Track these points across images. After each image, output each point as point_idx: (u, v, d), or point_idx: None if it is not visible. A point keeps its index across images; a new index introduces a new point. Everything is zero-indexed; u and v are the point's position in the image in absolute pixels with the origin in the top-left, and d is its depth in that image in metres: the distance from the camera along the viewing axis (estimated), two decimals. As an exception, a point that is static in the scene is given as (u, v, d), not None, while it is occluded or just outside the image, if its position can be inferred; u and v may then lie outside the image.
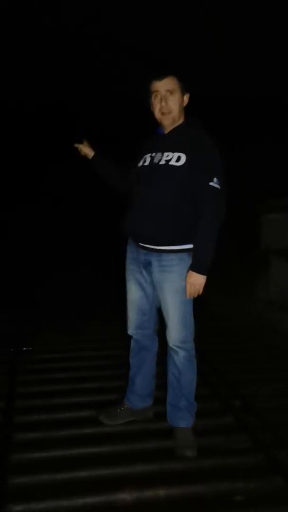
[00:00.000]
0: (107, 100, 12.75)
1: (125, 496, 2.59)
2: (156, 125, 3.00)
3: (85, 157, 3.34)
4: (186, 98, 2.92)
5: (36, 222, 10.17)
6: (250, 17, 11.15)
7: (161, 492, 2.62)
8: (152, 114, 2.95)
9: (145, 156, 2.96)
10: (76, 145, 3.32)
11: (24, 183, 11.99)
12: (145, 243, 2.90)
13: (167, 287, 2.89)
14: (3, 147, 12.63)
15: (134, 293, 3.09)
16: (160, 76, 2.84)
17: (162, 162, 2.83)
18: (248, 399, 3.55)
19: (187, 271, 2.81)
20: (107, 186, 3.32)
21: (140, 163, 2.97)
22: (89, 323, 5.37)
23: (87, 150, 3.30)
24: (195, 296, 2.84)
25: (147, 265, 2.95)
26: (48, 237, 9.33)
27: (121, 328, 3.35)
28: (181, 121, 2.94)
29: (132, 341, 3.23)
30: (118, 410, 3.26)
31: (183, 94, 2.89)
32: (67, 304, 6.07)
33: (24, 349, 4.57)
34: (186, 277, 2.81)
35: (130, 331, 3.18)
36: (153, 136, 3.06)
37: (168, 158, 2.82)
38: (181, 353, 2.96)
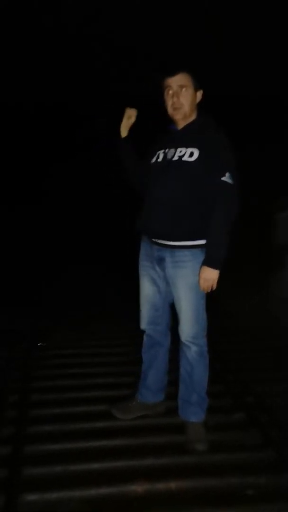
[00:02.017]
0: (107, 100, 12.75)
1: (136, 488, 2.63)
2: (170, 121, 3.01)
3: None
4: (199, 94, 2.93)
5: (40, 222, 10.15)
6: (250, 17, 11.17)
7: (172, 485, 2.66)
8: (165, 111, 2.95)
9: (158, 152, 2.98)
10: (127, 110, 3.19)
11: (25, 183, 11.98)
12: (158, 239, 2.92)
13: (180, 282, 2.91)
14: (3, 147, 12.62)
15: (147, 289, 3.11)
16: (173, 71, 2.85)
17: (175, 158, 2.84)
18: (260, 396, 3.57)
19: (200, 267, 2.83)
20: (123, 176, 3.28)
21: (153, 160, 2.98)
22: (101, 320, 5.38)
23: (126, 125, 3.22)
24: (209, 291, 2.86)
25: (161, 261, 2.97)
26: (53, 235, 9.32)
27: (133, 324, 3.36)
28: (194, 117, 2.95)
29: (144, 336, 3.25)
30: (130, 405, 3.29)
31: (196, 91, 2.90)
32: (79, 301, 6.09)
33: (37, 344, 4.59)
34: (199, 272, 2.83)
35: (143, 326, 3.21)
36: (165, 132, 3.06)
37: (181, 153, 2.83)
38: (193, 348, 2.98)
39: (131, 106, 3.17)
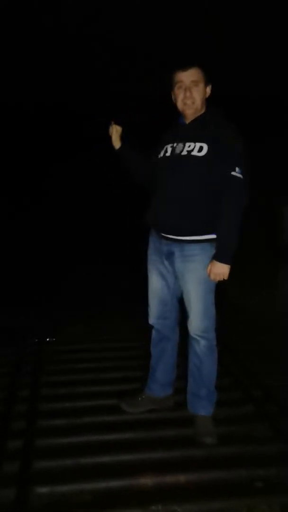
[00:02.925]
0: (107, 100, 12.77)
1: (146, 481, 2.64)
2: (178, 115, 3.02)
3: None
4: (208, 89, 2.93)
5: (41, 221, 10.15)
6: (250, 17, 11.20)
7: (182, 478, 2.66)
8: (174, 105, 2.97)
9: (166, 146, 2.97)
10: (112, 127, 3.25)
11: (26, 183, 11.99)
12: (167, 234, 2.93)
13: (189, 276, 2.92)
14: (4, 147, 12.64)
15: (155, 283, 3.12)
16: (185, 66, 2.85)
17: (184, 152, 2.84)
18: (269, 389, 3.58)
19: (210, 261, 2.84)
20: (132, 179, 3.31)
21: (161, 154, 2.98)
22: (110, 315, 5.39)
23: (116, 138, 3.26)
24: (221, 280, 2.86)
25: (170, 256, 2.97)
26: (60, 235, 9.32)
27: (142, 319, 3.38)
28: (203, 111, 2.94)
29: (153, 331, 3.26)
30: (139, 399, 3.30)
31: (206, 85, 2.90)
32: (88, 297, 6.10)
33: (48, 340, 4.60)
34: (208, 266, 2.84)
35: (151, 320, 3.22)
36: (173, 126, 3.06)
37: (190, 148, 2.83)
38: (202, 342, 3.00)
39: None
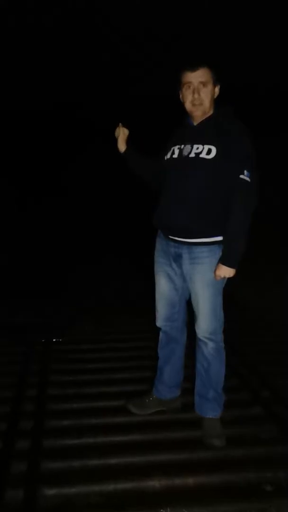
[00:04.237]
0: (121, 100, 12.79)
1: (154, 483, 2.64)
2: (184, 115, 3.00)
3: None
4: (217, 89, 2.90)
5: (57, 217, 10.15)
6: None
7: (190, 480, 2.67)
8: (182, 105, 2.94)
9: (173, 148, 2.95)
10: (119, 128, 3.26)
11: (44, 179, 12.01)
12: (175, 236, 2.91)
13: (197, 278, 2.91)
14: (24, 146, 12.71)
15: (163, 286, 3.10)
16: (194, 67, 2.82)
17: (192, 154, 2.82)
18: (277, 390, 3.57)
19: (217, 263, 2.83)
20: (140, 181, 3.29)
21: (168, 156, 2.96)
22: (118, 315, 5.38)
23: (122, 141, 3.27)
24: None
25: (178, 258, 2.96)
26: (69, 231, 9.32)
27: (149, 320, 3.36)
28: (211, 112, 2.91)
29: (160, 333, 3.25)
30: (147, 400, 3.30)
31: (214, 86, 2.87)
32: (96, 296, 6.10)
33: (54, 340, 4.59)
34: (215, 269, 2.83)
35: (159, 323, 3.21)
36: (181, 126, 3.04)
37: (198, 150, 2.80)
38: (210, 345, 2.99)
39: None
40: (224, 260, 2.79)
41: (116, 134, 3.26)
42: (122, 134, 3.24)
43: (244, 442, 3.02)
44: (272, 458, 2.86)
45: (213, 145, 2.78)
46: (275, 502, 2.51)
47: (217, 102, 2.96)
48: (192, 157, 2.82)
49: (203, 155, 2.78)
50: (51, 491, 2.55)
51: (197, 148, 2.82)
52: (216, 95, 2.92)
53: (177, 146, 2.93)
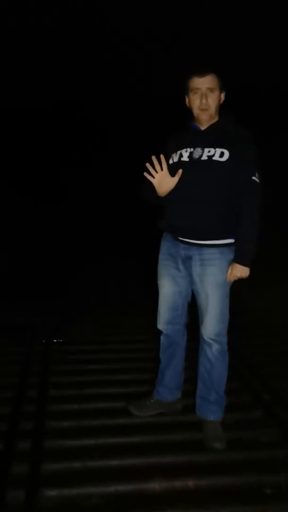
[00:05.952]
0: (124, 101, 12.76)
1: (154, 486, 2.63)
2: (188, 119, 3.03)
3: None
4: (222, 96, 2.95)
5: (58, 220, 10.14)
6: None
7: (190, 482, 2.66)
8: (189, 109, 2.98)
9: (180, 151, 2.95)
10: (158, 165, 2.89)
11: (44, 183, 11.98)
12: (186, 238, 2.93)
13: (208, 280, 2.92)
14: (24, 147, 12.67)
15: (167, 289, 3.10)
16: (203, 73, 2.87)
17: (204, 157, 2.85)
18: (278, 393, 3.57)
19: (229, 264, 2.87)
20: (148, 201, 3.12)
21: (176, 159, 2.95)
22: (118, 315, 5.40)
23: (164, 179, 2.90)
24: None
25: (187, 260, 2.97)
26: (71, 232, 9.32)
27: (150, 320, 3.36)
28: (217, 118, 2.96)
29: (162, 337, 3.24)
30: (148, 402, 3.30)
31: (220, 92, 2.93)
32: (97, 297, 6.10)
33: (55, 340, 4.60)
34: (228, 269, 2.87)
35: (161, 326, 3.20)
36: (185, 131, 3.04)
37: (210, 153, 2.84)
38: (215, 346, 2.99)
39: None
40: (239, 259, 2.84)
41: (154, 171, 2.90)
42: (161, 172, 2.90)
43: (245, 445, 3.02)
44: (273, 461, 2.85)
45: (226, 148, 2.83)
46: (275, 506, 2.51)
47: (220, 108, 3.00)
48: (204, 160, 2.85)
49: (216, 157, 2.83)
50: (52, 492, 2.54)
51: (209, 151, 2.85)
52: (222, 101, 2.97)
53: (185, 150, 2.94)
